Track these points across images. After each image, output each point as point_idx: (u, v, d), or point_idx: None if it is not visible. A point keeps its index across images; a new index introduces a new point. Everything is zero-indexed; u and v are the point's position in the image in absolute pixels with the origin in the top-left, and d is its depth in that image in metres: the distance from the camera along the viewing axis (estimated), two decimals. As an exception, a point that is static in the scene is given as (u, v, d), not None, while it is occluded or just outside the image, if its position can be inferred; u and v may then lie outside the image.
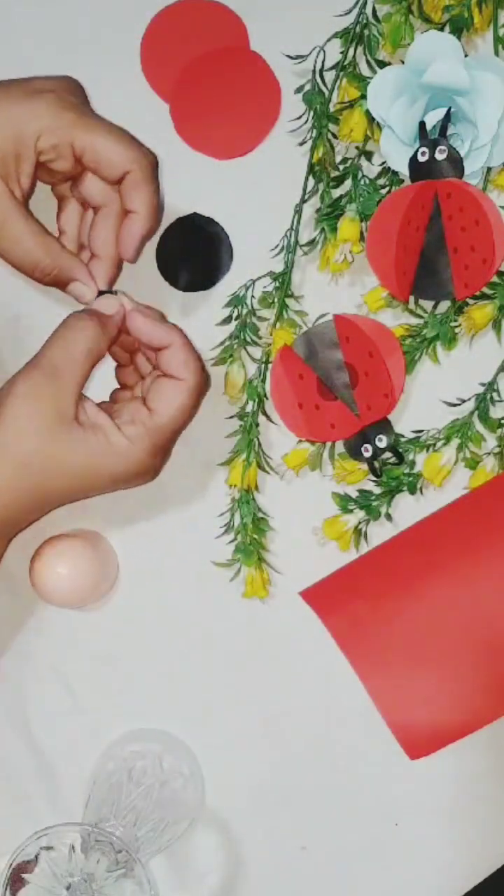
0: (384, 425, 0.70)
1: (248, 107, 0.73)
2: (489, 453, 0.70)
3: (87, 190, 0.68)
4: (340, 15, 0.71)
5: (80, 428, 0.63)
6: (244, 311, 0.72)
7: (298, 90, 0.71)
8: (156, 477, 0.68)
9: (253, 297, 0.72)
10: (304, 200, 0.71)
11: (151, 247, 0.72)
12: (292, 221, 0.71)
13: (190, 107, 0.73)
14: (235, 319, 0.72)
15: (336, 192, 0.71)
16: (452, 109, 0.68)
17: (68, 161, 0.65)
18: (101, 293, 0.68)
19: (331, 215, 0.71)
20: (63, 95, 0.65)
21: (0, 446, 0.62)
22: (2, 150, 0.62)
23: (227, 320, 0.72)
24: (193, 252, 0.72)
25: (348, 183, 0.71)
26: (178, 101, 0.73)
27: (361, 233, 0.70)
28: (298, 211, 0.71)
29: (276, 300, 0.71)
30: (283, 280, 0.71)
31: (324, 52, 0.70)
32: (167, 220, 0.72)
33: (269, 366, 0.71)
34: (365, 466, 0.70)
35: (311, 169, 0.71)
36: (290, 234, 0.71)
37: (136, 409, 0.66)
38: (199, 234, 0.72)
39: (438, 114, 0.69)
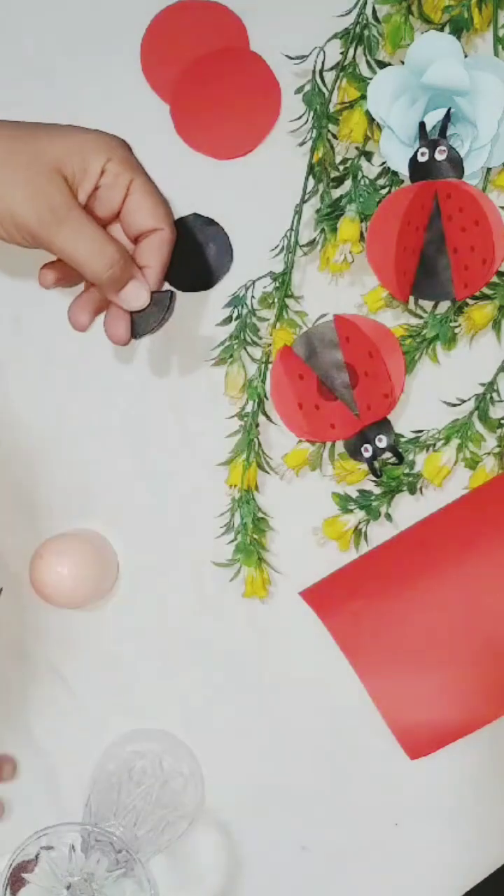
0: (384, 425, 0.70)
1: (248, 107, 0.73)
2: (489, 453, 0.70)
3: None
4: (340, 15, 0.71)
5: None
6: (244, 311, 0.72)
7: (298, 90, 0.71)
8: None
9: (253, 297, 0.72)
10: (304, 200, 0.71)
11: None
12: (292, 222, 0.71)
13: (190, 107, 0.73)
14: (235, 319, 0.72)
15: (336, 193, 0.71)
16: (452, 110, 0.68)
17: (119, 194, 0.67)
18: (153, 294, 0.67)
19: (331, 215, 0.71)
20: (126, 147, 0.68)
21: None
22: (72, 163, 0.65)
23: (227, 320, 0.72)
24: (193, 252, 0.72)
25: (348, 183, 0.71)
26: (178, 101, 0.73)
27: (361, 233, 0.70)
28: (298, 211, 0.71)
29: (276, 300, 0.71)
30: (283, 280, 0.71)
31: (324, 52, 0.70)
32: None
33: (269, 366, 0.71)
34: (365, 466, 0.70)
35: (310, 169, 0.71)
36: (290, 235, 0.71)
37: None
38: (199, 235, 0.72)
39: (438, 114, 0.69)
